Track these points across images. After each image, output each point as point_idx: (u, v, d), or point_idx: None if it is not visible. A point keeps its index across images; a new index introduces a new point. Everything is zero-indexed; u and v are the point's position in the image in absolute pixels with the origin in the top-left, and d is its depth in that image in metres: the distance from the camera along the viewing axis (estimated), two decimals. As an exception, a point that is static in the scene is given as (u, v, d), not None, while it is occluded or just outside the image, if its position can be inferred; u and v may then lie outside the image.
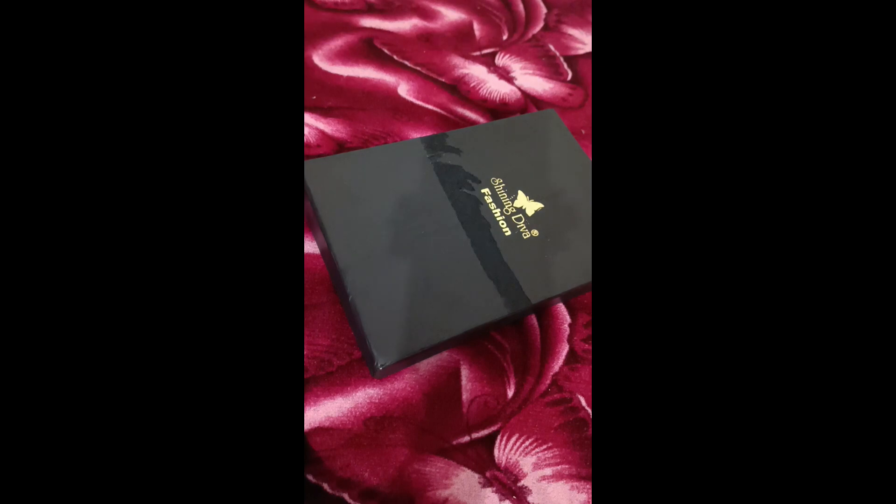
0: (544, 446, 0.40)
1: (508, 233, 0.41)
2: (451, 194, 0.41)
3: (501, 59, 0.62)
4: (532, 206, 0.43)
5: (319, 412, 0.38)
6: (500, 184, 0.43)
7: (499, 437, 0.39)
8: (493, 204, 0.42)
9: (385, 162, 0.41)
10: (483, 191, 0.43)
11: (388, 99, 0.55)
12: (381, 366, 0.34)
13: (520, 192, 0.43)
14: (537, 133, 0.48)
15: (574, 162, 0.48)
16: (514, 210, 0.43)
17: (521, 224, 0.42)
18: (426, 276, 0.37)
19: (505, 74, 0.61)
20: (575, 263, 0.42)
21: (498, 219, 0.42)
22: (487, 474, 0.38)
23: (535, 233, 0.42)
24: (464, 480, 0.37)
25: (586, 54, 0.65)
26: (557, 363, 0.43)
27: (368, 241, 0.38)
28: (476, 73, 0.60)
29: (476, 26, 0.65)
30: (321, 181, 0.39)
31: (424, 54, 0.60)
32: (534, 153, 0.47)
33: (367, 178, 0.40)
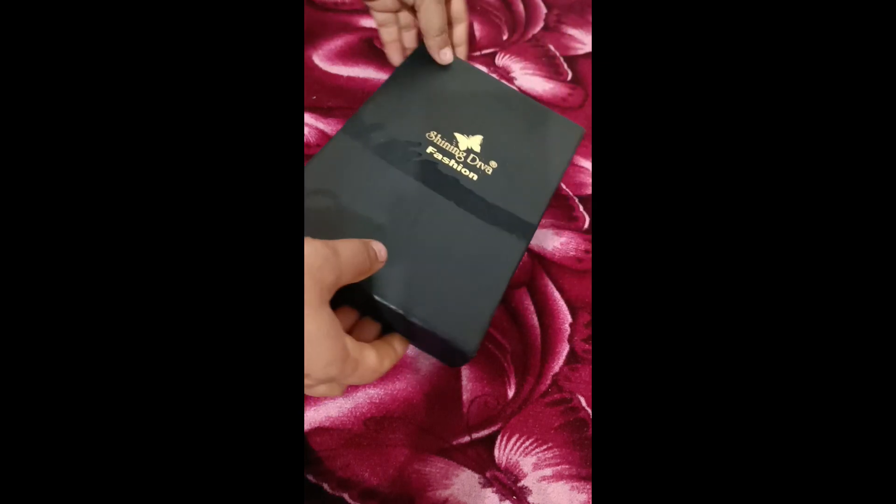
0: (544, 446, 0.40)
1: (475, 177, 0.41)
2: (405, 169, 0.40)
3: (501, 59, 0.62)
4: (475, 141, 0.43)
5: (320, 412, 0.38)
6: (436, 136, 0.42)
7: (499, 438, 0.39)
8: (444, 157, 0.41)
9: (327, 172, 0.39)
10: (428, 150, 0.41)
11: (389, 99, 0.54)
12: (472, 352, 0.34)
13: (456, 135, 0.43)
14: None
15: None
16: (464, 153, 0.42)
17: (479, 162, 0.42)
18: (441, 256, 0.37)
19: (505, 74, 0.61)
20: (543, 163, 0.42)
21: (458, 168, 0.41)
22: (487, 474, 0.38)
23: (494, 164, 0.42)
24: (464, 480, 0.37)
25: (586, 54, 0.65)
26: (557, 363, 0.43)
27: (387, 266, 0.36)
28: (476, 73, 0.60)
29: (476, 26, 0.65)
30: None
31: (424, 54, 0.60)
32: (432, 90, 0.45)
33: (324, 192, 0.38)
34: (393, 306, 0.34)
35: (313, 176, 0.38)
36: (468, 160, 0.42)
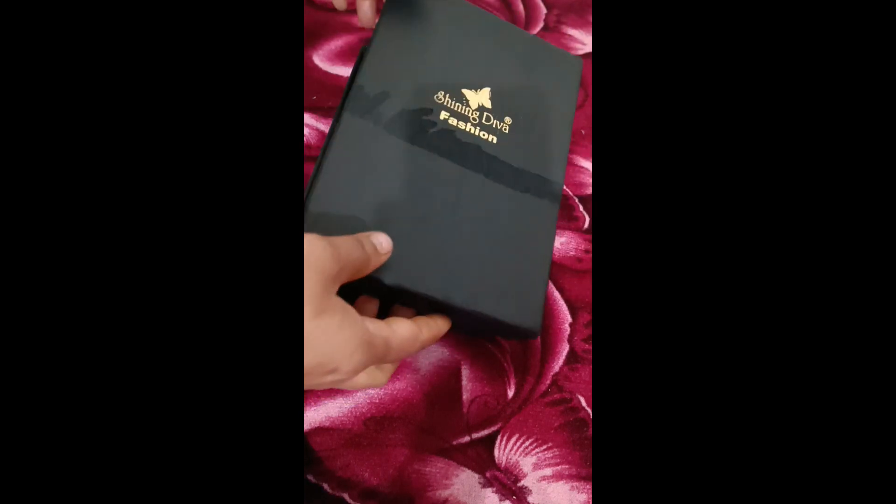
0: (544, 446, 0.40)
1: (494, 139, 0.37)
2: (424, 144, 0.36)
3: (501, 59, 0.62)
4: (484, 96, 0.39)
5: (320, 412, 0.38)
6: (445, 97, 0.37)
7: (499, 438, 0.39)
8: (459, 122, 0.37)
9: (346, 166, 0.34)
10: (441, 117, 0.36)
11: (389, 99, 0.54)
12: (538, 330, 0.33)
13: (464, 92, 0.38)
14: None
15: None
16: (476, 113, 0.38)
17: (494, 121, 0.38)
18: (481, 235, 0.35)
19: (505, 74, 0.60)
20: (553, 109, 0.39)
21: (475, 133, 0.37)
22: (487, 474, 0.38)
23: (509, 120, 0.38)
24: (464, 480, 0.37)
25: (586, 54, 0.65)
26: (557, 363, 0.43)
27: (422, 253, 0.33)
28: (476, 73, 0.59)
29: (476, 26, 0.64)
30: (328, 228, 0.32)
31: (424, 54, 0.59)
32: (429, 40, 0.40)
33: (345, 188, 0.34)
34: (451, 301, 0.32)
35: (334, 171, 0.33)
36: (483, 120, 0.38)
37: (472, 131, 0.37)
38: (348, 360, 0.25)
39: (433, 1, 0.41)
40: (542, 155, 0.38)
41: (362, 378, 0.28)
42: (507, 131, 0.38)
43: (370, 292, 0.33)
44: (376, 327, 0.27)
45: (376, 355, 0.27)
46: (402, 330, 0.29)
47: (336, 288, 0.26)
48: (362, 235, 0.29)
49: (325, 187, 0.33)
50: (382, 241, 0.30)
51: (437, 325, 0.32)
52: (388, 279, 0.31)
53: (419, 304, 0.33)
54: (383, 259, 0.30)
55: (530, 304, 0.34)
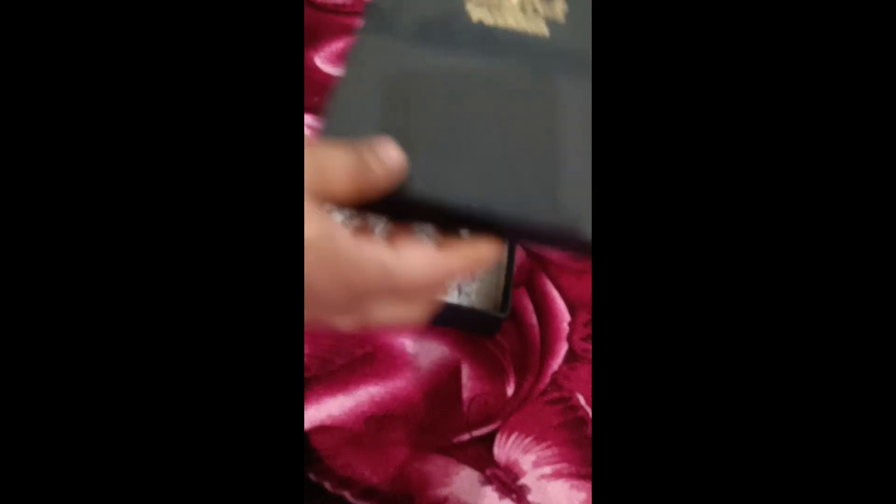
0: (544, 445, 0.40)
1: (545, 30, 0.32)
2: (454, 50, 0.32)
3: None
4: None
5: (321, 410, 0.38)
6: None
7: (498, 436, 0.40)
8: (499, 19, 0.33)
9: (367, 91, 0.30)
10: (476, 18, 0.32)
11: (389, 99, 0.54)
12: (587, 237, 0.28)
13: None
14: None
15: None
16: (517, 3, 0.33)
17: (543, 5, 0.33)
18: (526, 141, 0.30)
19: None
20: None
21: (521, 27, 0.32)
22: (487, 472, 0.38)
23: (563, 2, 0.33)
24: (464, 478, 0.37)
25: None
26: (557, 362, 0.43)
27: (455, 163, 0.29)
28: (476, 73, 0.59)
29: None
30: None
31: (424, 54, 0.60)
32: None
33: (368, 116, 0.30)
34: (493, 212, 0.27)
35: (347, 95, 0.30)
36: (530, 8, 0.33)
37: (517, 26, 0.32)
38: (328, 287, 0.21)
39: None
40: (581, 33, 0.32)
41: (383, 313, 0.24)
42: (562, 20, 0.32)
43: (392, 215, 0.29)
44: (372, 249, 0.22)
45: (371, 282, 0.22)
46: (413, 255, 0.23)
47: (317, 202, 0.22)
48: (361, 144, 0.24)
49: (339, 113, 0.29)
50: (389, 151, 0.25)
51: (476, 252, 0.26)
52: (416, 194, 0.27)
53: (453, 224, 0.29)
54: (394, 173, 0.25)
55: (579, 207, 0.28)
